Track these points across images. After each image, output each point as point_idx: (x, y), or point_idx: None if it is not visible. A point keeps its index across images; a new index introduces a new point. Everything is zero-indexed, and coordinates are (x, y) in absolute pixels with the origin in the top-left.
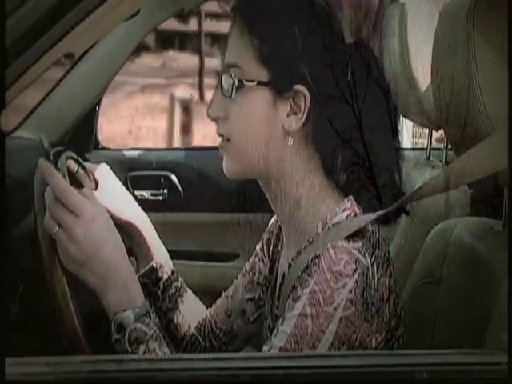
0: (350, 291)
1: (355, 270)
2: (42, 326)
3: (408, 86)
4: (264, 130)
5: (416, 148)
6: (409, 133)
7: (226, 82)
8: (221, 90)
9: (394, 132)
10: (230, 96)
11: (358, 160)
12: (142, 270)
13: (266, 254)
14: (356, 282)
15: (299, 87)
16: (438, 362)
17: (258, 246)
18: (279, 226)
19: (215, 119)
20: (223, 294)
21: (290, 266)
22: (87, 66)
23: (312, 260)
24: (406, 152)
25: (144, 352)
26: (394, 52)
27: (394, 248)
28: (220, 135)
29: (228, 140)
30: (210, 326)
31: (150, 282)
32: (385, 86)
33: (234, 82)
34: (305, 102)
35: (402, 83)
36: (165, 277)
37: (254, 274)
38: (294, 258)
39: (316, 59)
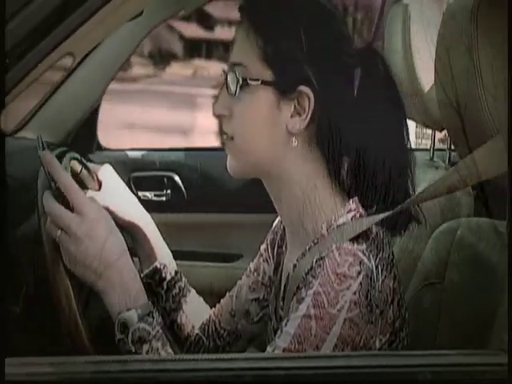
0: (354, 293)
1: (359, 272)
2: (45, 326)
3: (411, 86)
4: (267, 130)
5: (419, 149)
6: (412, 133)
7: (231, 80)
8: (226, 89)
9: (403, 133)
10: (235, 94)
11: (363, 162)
12: (146, 271)
13: (271, 255)
14: (360, 283)
15: (303, 88)
16: (441, 363)
17: (263, 247)
18: (283, 227)
19: (219, 117)
20: (227, 294)
21: (294, 266)
22: (90, 67)
23: (316, 261)
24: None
25: (147, 351)
26: (397, 52)
27: (398, 249)
28: (224, 133)
29: (231, 138)
30: (214, 325)
31: (154, 282)
32: (393, 87)
33: (239, 81)
34: (309, 104)
35: (405, 84)
36: (168, 277)
37: (259, 274)
38: (298, 258)
39: (321, 60)
